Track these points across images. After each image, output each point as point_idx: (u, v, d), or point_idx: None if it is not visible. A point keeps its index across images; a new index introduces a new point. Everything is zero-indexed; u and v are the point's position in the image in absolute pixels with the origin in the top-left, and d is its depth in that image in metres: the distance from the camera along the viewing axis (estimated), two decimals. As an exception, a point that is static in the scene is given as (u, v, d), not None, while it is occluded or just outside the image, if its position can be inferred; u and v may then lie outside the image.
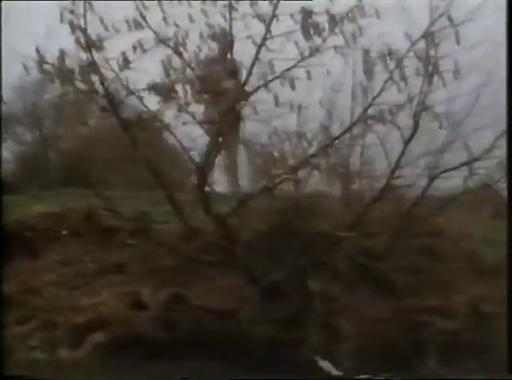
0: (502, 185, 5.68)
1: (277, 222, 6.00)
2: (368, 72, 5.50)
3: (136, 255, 6.86)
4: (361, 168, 6.14)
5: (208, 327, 6.03)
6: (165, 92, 5.47)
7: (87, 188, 7.64)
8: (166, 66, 5.44)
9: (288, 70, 5.68)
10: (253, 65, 5.95)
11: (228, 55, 6.57)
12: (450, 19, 5.31)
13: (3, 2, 5.90)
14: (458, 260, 6.44)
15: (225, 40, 6.35)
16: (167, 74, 5.47)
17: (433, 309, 5.96)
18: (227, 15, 5.69)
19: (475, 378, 5.41)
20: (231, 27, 5.75)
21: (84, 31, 5.42)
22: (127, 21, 5.40)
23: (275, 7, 5.70)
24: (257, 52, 5.88)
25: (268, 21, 5.76)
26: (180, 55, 5.66)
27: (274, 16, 5.76)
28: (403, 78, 5.55)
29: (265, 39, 5.81)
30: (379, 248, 5.85)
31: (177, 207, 6.19)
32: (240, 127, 7.40)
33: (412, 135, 5.80)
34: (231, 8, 5.64)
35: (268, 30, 5.78)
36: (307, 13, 5.41)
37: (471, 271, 6.47)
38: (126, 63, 5.49)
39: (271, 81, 5.78)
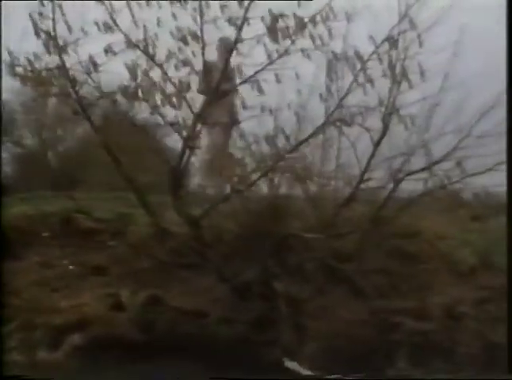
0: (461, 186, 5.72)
1: (250, 223, 6.03)
2: (334, 74, 5.53)
3: (115, 257, 6.89)
4: (335, 170, 6.16)
5: (182, 328, 6.08)
6: (132, 94, 5.51)
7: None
8: (132, 69, 5.47)
9: (256, 73, 5.72)
10: (225, 68, 6.00)
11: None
12: (412, 22, 5.35)
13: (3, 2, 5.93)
14: (433, 262, 6.46)
15: (226, 45, 6.42)
16: (134, 77, 5.50)
17: (405, 310, 5.98)
18: (198, 18, 5.70)
19: (475, 378, 5.40)
20: (202, 30, 5.76)
21: (49, 34, 5.44)
22: (96, 24, 5.43)
23: (246, 10, 5.72)
24: (229, 56, 5.93)
25: (239, 25, 5.78)
26: (151, 58, 5.70)
27: (245, 19, 5.78)
28: (369, 81, 5.58)
29: (236, 42, 5.85)
30: (348, 250, 5.87)
31: (149, 209, 6.23)
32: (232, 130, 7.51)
33: (381, 138, 5.84)
34: (201, 11, 5.66)
35: (239, 33, 5.80)
36: (274, 16, 5.43)
37: (447, 272, 6.49)
38: (95, 66, 5.52)
39: (241, 84, 5.82)
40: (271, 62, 5.63)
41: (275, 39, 5.45)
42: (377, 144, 5.81)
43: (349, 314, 5.66)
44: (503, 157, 5.19)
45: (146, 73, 5.42)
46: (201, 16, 5.67)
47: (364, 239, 5.83)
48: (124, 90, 5.49)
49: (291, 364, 5.41)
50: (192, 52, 5.89)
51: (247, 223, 5.98)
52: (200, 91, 6.46)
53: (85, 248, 7.14)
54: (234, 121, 7.78)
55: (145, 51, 5.57)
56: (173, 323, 6.14)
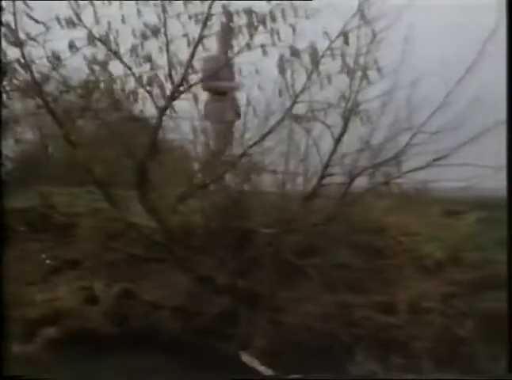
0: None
1: (213, 218, 6.08)
2: (291, 71, 5.56)
3: (89, 251, 6.96)
4: (297, 166, 6.19)
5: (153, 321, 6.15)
6: (94, 89, 5.56)
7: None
8: (90, 65, 5.52)
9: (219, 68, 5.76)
10: (189, 64, 6.04)
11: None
12: (364, 17, 5.37)
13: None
14: (399, 257, 6.46)
15: (225, 39, 6.45)
16: (91, 72, 5.55)
17: (368, 305, 6.00)
18: (161, 14, 5.75)
19: (474, 378, 5.44)
20: (165, 26, 5.80)
21: (11, 28, 5.50)
22: (57, 19, 5.48)
23: (210, 6, 5.76)
24: (193, 51, 5.96)
25: (203, 20, 5.82)
26: (115, 53, 5.75)
27: (210, 15, 5.82)
28: (327, 77, 5.60)
29: (201, 37, 5.89)
30: (309, 245, 5.91)
31: (115, 204, 6.28)
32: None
33: (342, 134, 5.86)
34: (164, 7, 5.70)
35: (203, 29, 5.85)
36: (229, 13, 5.47)
37: (413, 268, 6.49)
38: (59, 61, 5.58)
39: (203, 79, 5.86)
40: (231, 58, 5.66)
41: (233, 35, 5.48)
42: (338, 140, 5.83)
43: (309, 308, 5.69)
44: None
45: (104, 67, 5.45)
46: (164, 11, 5.70)
47: (326, 234, 5.85)
48: (85, 85, 5.54)
49: (247, 358, 5.45)
50: (160, 48, 5.94)
51: (211, 218, 6.02)
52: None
53: (60, 243, 7.21)
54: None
55: (107, 46, 5.60)
56: (145, 316, 6.21)
